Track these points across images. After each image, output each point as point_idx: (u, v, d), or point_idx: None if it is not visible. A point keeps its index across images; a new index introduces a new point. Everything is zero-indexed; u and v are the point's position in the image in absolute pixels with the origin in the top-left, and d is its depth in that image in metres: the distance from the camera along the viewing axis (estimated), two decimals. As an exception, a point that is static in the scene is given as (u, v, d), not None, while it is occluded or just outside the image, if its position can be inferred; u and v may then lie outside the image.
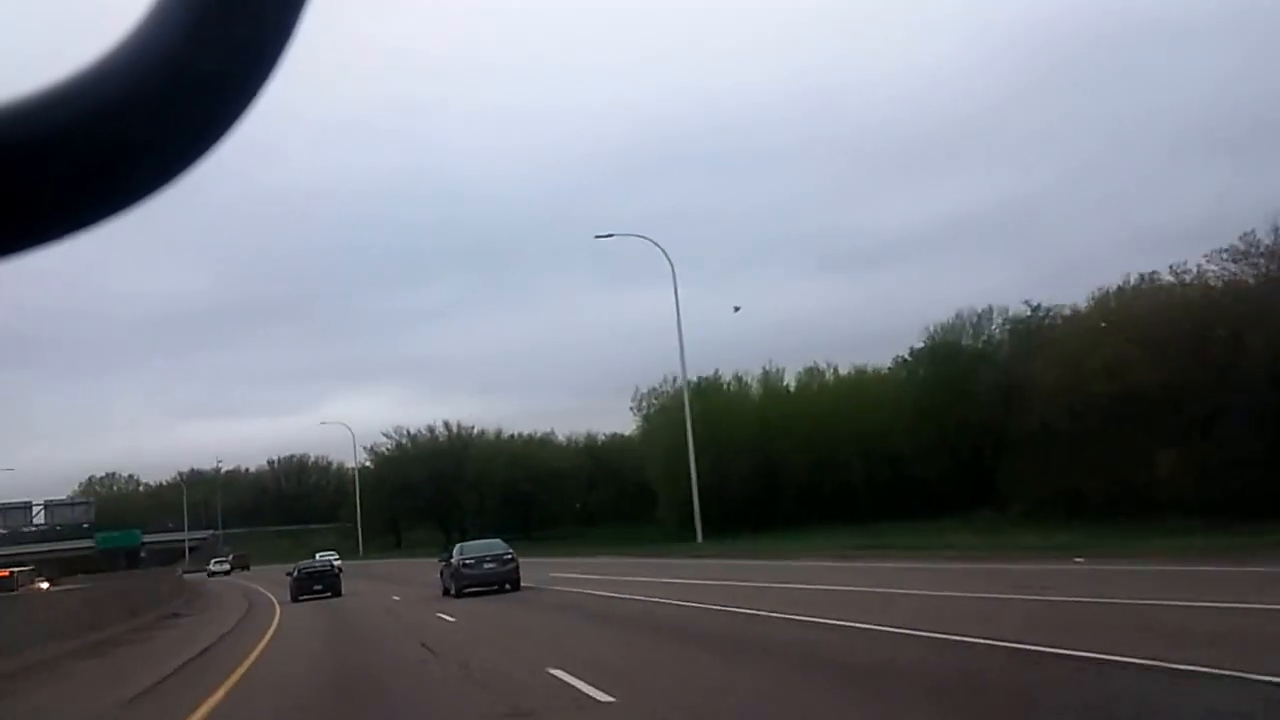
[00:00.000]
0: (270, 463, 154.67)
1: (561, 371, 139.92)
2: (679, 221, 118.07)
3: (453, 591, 29.57)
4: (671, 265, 54.14)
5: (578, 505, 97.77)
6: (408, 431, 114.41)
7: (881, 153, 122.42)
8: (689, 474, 54.60)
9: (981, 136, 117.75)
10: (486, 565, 29.57)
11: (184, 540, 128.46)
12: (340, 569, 44.15)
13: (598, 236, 54.91)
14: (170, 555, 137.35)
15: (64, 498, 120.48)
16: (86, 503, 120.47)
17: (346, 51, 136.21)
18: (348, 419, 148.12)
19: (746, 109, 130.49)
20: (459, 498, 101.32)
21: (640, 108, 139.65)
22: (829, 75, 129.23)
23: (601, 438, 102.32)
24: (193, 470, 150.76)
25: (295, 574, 40.05)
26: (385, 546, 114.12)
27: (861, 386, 67.22)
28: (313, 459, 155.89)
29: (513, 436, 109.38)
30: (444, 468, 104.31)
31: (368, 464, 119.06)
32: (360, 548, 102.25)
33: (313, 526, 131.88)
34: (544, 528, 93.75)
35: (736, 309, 64.11)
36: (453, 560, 30.60)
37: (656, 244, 54.06)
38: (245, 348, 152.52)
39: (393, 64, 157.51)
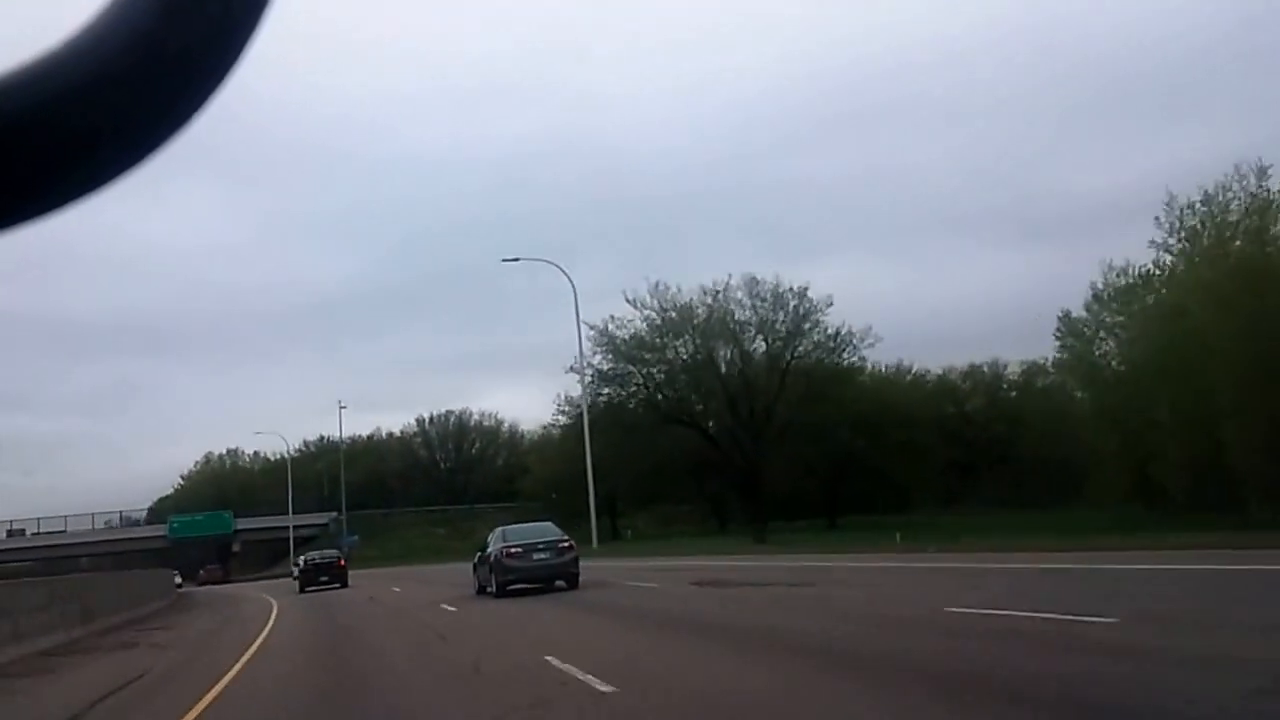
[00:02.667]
0: (419, 422, 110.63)
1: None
2: (857, 184, 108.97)
3: (492, 590, 23.86)
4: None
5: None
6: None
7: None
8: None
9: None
10: (537, 555, 23.46)
11: (288, 526, 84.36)
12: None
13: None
14: (274, 549, 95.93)
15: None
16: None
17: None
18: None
19: (939, 54, 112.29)
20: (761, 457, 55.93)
21: (815, 59, 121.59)
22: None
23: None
24: (322, 439, 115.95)
25: (302, 564, 42.92)
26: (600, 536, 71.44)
27: None
28: (475, 417, 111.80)
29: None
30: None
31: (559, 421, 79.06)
32: (594, 537, 56.84)
33: (479, 507, 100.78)
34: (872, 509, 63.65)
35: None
36: (490, 550, 24.69)
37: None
38: (387, 335, 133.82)
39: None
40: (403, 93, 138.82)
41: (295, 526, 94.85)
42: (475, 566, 26.76)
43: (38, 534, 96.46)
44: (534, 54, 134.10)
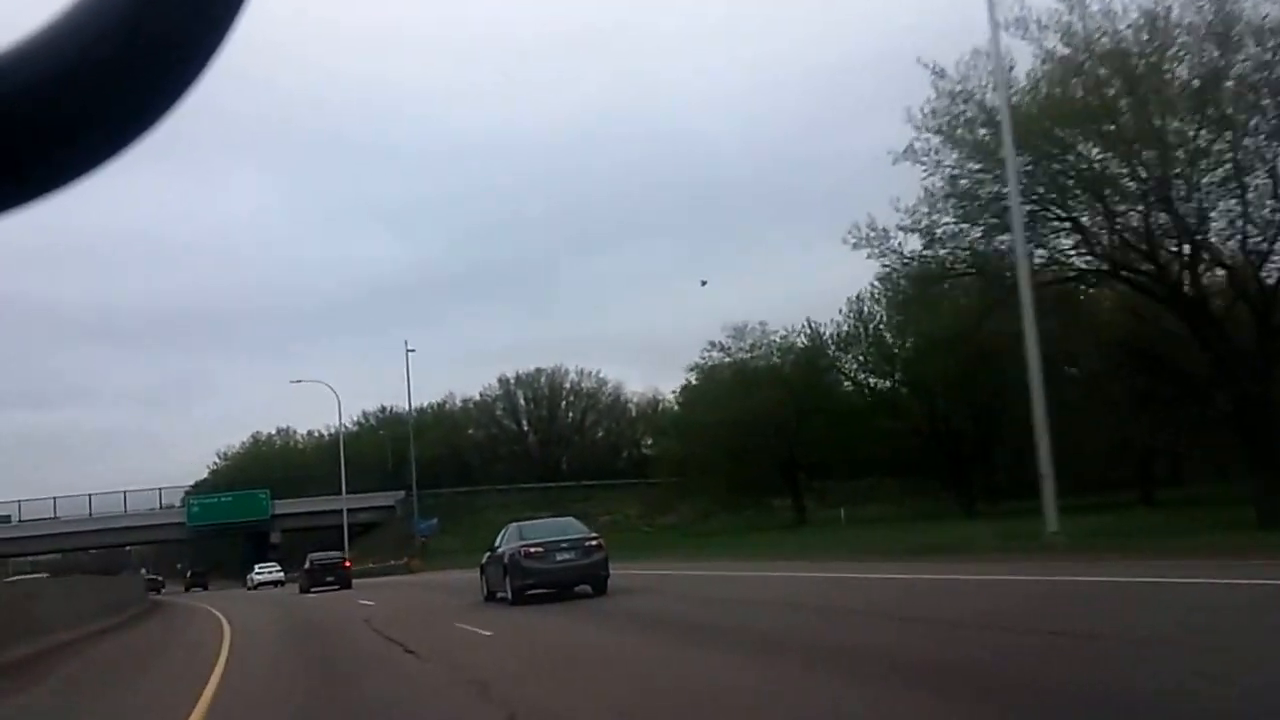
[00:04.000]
0: (502, 382, 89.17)
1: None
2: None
3: (505, 596, 20.82)
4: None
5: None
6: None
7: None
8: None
9: None
10: (561, 556, 20.42)
11: (342, 510, 60.74)
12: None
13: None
14: (324, 540, 73.05)
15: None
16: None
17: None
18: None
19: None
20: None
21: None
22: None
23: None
24: (384, 409, 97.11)
25: (308, 565, 41.89)
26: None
27: None
28: (571, 376, 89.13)
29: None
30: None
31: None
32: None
33: (589, 484, 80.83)
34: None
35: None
36: (502, 550, 21.48)
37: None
38: (444, 324, 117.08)
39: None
40: (452, 78, 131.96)
41: (352, 510, 71.80)
42: (483, 568, 23.43)
43: (24, 523, 74.60)
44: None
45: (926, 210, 26.06)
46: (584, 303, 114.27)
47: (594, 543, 20.97)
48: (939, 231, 26.57)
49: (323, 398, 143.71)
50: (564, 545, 20.66)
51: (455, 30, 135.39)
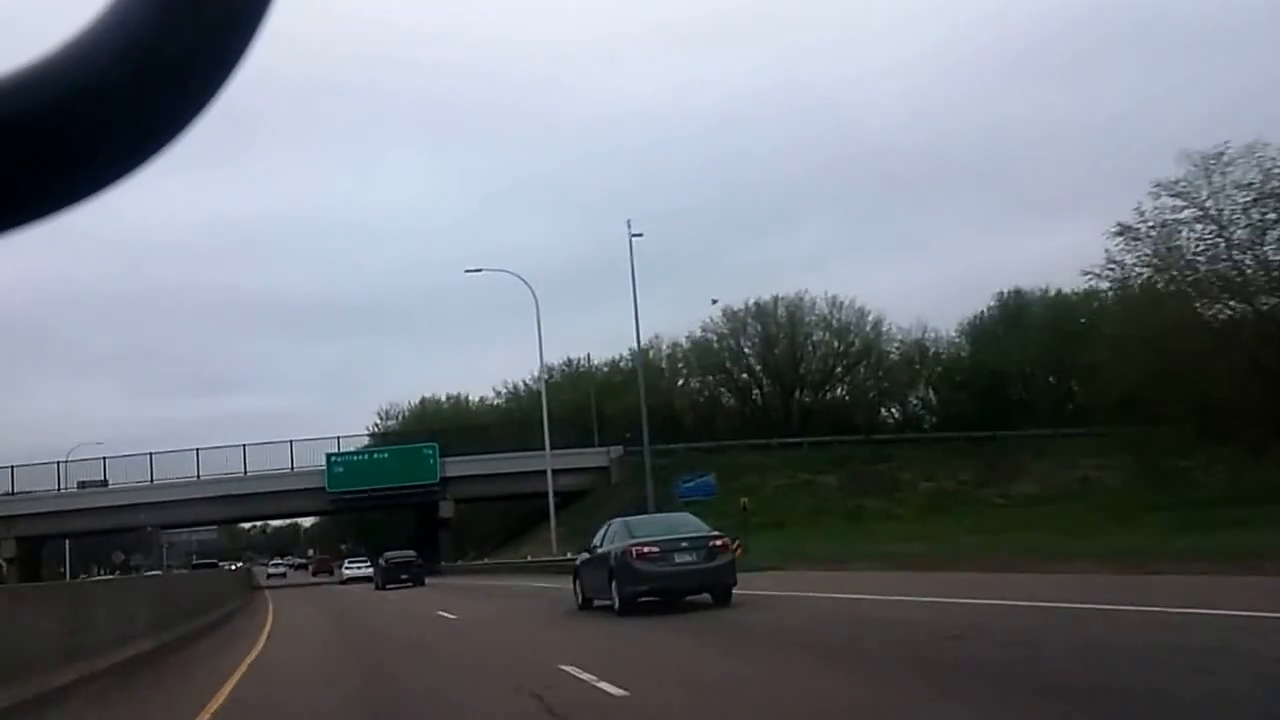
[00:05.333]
0: (727, 316, 71.16)
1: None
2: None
3: (611, 605, 17.52)
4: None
5: None
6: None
7: None
8: None
9: None
10: (680, 558, 17.19)
11: (545, 472, 37.51)
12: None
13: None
14: (514, 517, 51.80)
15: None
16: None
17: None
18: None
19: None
20: None
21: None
22: None
23: None
24: (570, 363, 78.05)
25: (383, 563, 42.05)
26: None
27: None
28: (820, 305, 72.02)
29: None
30: None
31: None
32: None
33: (885, 439, 60.52)
34: None
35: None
36: (605, 549, 18.31)
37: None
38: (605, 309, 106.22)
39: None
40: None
41: (556, 472, 50.80)
42: (579, 571, 19.94)
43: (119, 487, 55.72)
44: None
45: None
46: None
47: (719, 542, 17.47)
48: None
49: (494, 365, 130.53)
50: (684, 544, 17.21)
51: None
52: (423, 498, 55.50)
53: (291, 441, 55.89)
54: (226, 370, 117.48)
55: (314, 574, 75.88)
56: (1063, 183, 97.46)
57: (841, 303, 69.74)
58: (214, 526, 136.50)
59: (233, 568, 67.61)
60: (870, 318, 69.42)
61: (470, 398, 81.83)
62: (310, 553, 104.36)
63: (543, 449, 54.52)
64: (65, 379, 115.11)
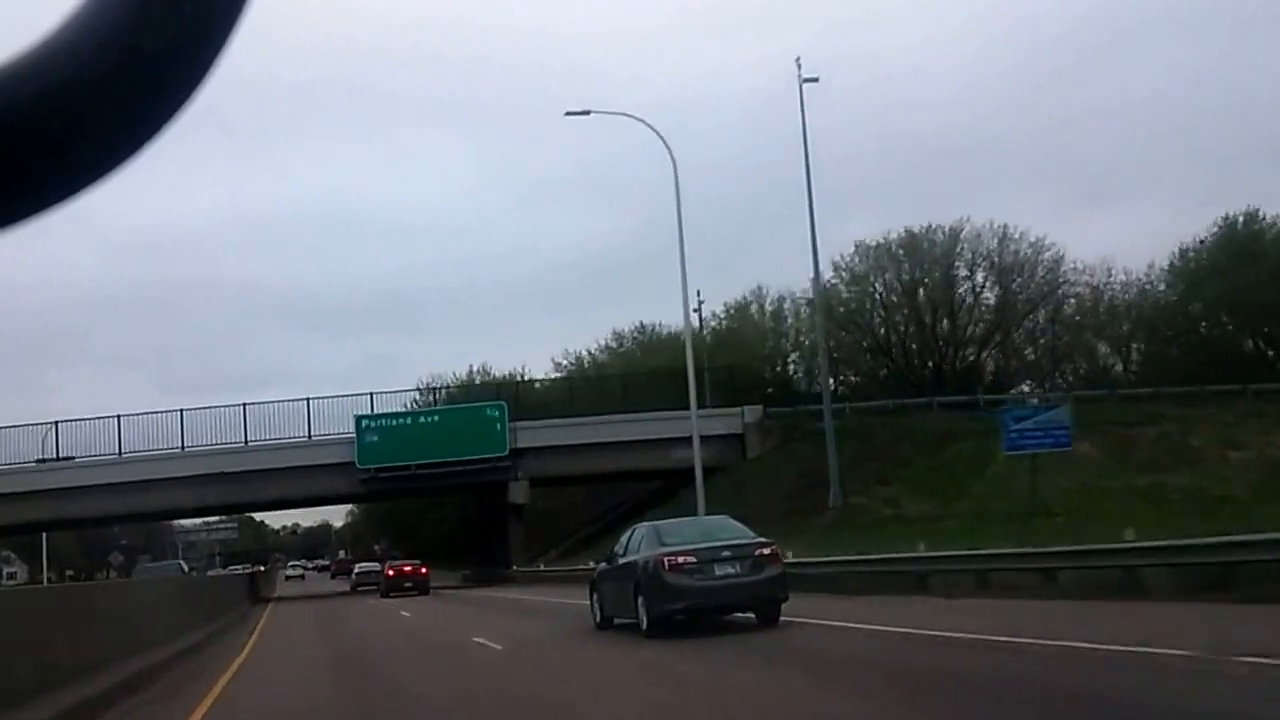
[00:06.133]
0: (860, 250, 56.71)
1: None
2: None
3: (638, 623, 14.84)
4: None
5: None
6: None
7: None
8: None
9: None
10: (721, 569, 14.50)
11: (691, 440, 30.87)
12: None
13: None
14: (602, 509, 36.24)
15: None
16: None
17: None
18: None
19: None
20: None
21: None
22: None
23: None
24: (643, 330, 64.81)
25: (390, 572, 40.26)
26: None
27: None
28: (987, 235, 52.10)
29: None
30: None
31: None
32: None
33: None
34: None
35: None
36: (630, 558, 15.69)
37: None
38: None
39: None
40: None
41: (651, 442, 35.85)
42: (596, 584, 17.19)
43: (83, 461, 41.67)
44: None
45: None
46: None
47: (766, 550, 14.79)
48: None
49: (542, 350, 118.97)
50: (725, 553, 14.61)
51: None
52: (487, 476, 40.74)
53: (309, 399, 41.28)
54: (251, 368, 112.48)
55: (334, 576, 74.34)
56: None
57: (1012, 235, 54.44)
58: (232, 523, 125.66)
59: (245, 570, 58.94)
60: (1047, 255, 54.07)
61: (530, 370, 66.44)
62: (341, 553, 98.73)
63: (649, 410, 39.88)
64: (85, 379, 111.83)
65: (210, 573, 57.46)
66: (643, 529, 16.44)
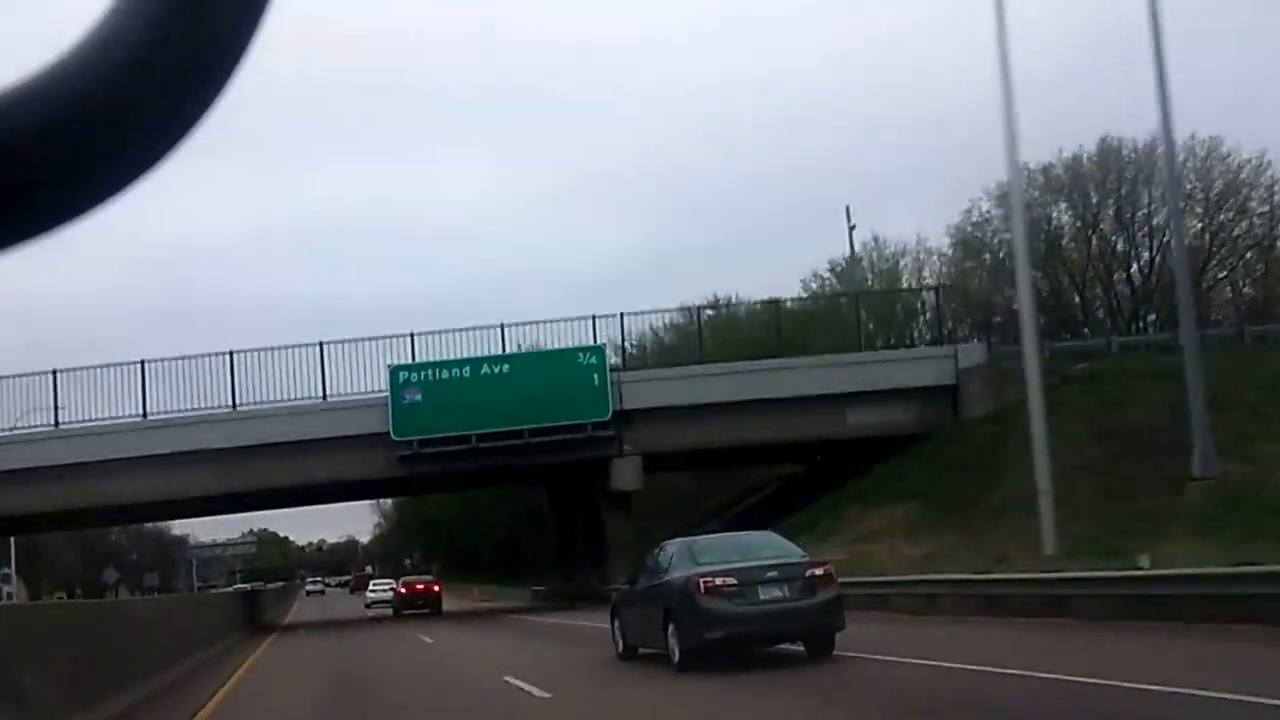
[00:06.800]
0: (1050, 171, 42.01)
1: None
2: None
3: (672, 654, 12.66)
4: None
5: None
6: None
7: None
8: None
9: None
10: (767, 593, 12.44)
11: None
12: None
13: None
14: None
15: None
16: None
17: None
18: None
19: None
20: None
21: None
22: None
23: None
24: (714, 299, 47.77)
25: (403, 589, 39.42)
26: None
27: None
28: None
29: None
30: None
31: None
32: None
33: None
34: None
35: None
36: (662, 579, 13.49)
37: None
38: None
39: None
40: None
41: (843, 400, 22.47)
42: (618, 608, 15.36)
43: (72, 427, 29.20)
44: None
45: None
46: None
47: (819, 571, 12.77)
48: None
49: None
50: (771, 574, 12.53)
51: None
52: (581, 451, 28.29)
53: (322, 344, 28.83)
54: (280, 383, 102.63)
55: (352, 591, 75.45)
56: None
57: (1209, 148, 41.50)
58: (251, 539, 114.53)
59: (250, 587, 55.67)
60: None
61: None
62: (369, 568, 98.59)
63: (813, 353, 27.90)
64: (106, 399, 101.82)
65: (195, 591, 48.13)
66: (676, 546, 14.15)
